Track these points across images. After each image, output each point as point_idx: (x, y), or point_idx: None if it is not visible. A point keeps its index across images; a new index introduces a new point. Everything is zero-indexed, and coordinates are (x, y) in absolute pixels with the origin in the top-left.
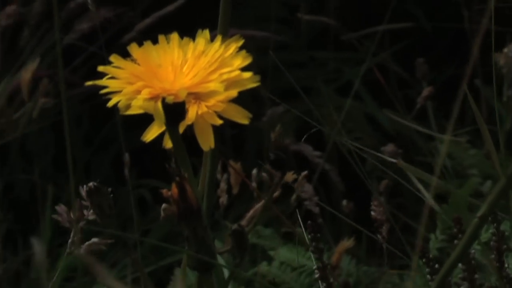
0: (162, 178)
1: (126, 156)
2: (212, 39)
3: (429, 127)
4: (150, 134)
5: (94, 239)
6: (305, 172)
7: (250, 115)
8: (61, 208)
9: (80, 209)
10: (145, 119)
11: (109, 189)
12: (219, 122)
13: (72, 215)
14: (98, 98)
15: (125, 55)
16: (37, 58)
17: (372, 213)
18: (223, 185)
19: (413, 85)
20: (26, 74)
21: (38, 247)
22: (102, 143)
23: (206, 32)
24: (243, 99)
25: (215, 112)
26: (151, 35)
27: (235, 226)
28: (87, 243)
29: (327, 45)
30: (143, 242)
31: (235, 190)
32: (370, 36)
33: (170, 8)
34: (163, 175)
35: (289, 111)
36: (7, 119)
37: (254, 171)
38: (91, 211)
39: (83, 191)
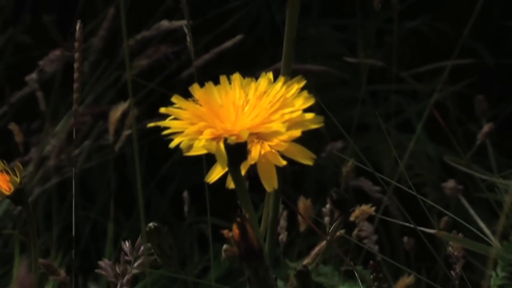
0: (222, 214)
1: (186, 194)
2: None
3: (489, 163)
4: (214, 175)
5: None
6: (368, 206)
7: (314, 156)
8: (105, 262)
9: (124, 262)
10: (204, 156)
11: (168, 227)
12: (283, 163)
13: (117, 268)
14: (158, 133)
15: (185, 90)
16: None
17: (449, 248)
18: (282, 222)
19: (474, 121)
20: (115, 113)
21: None
22: (161, 179)
23: (270, 74)
24: (303, 136)
25: (278, 152)
26: (210, 71)
27: (299, 267)
28: None
29: (387, 81)
30: (202, 279)
31: (302, 228)
32: (429, 71)
33: (228, 44)
34: (223, 212)
35: (348, 147)
36: (67, 155)
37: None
38: (135, 265)
39: (125, 246)
